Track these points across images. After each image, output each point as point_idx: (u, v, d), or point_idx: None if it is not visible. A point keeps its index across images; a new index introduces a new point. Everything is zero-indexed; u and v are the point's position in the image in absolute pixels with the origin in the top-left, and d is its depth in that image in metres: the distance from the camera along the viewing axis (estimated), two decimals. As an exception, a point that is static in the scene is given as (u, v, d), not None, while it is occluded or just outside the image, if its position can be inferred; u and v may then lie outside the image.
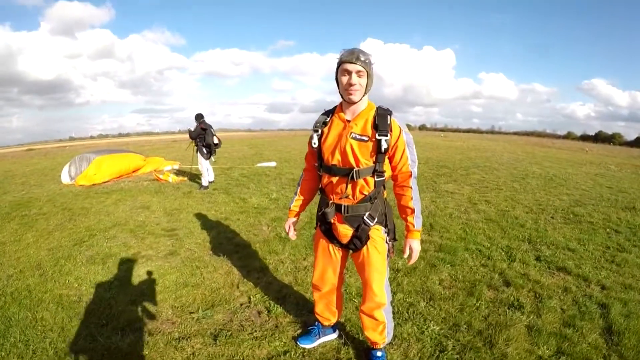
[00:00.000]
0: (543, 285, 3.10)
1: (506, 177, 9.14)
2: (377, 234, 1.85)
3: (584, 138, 79.14)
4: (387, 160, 1.78)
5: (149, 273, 3.44)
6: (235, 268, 3.49)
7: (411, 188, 1.80)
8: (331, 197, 1.86)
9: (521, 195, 6.94)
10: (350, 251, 1.95)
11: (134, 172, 9.53)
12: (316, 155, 1.90)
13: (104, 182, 8.38)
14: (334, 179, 1.80)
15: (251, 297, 2.93)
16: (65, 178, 8.86)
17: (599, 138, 78.69)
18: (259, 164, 11.64)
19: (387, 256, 1.91)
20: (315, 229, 2.06)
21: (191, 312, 2.73)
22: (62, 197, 7.20)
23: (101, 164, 8.57)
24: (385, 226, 1.88)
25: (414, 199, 1.80)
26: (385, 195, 1.92)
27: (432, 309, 2.70)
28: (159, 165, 10.38)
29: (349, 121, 1.77)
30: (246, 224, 4.92)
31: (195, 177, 8.46)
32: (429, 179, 8.74)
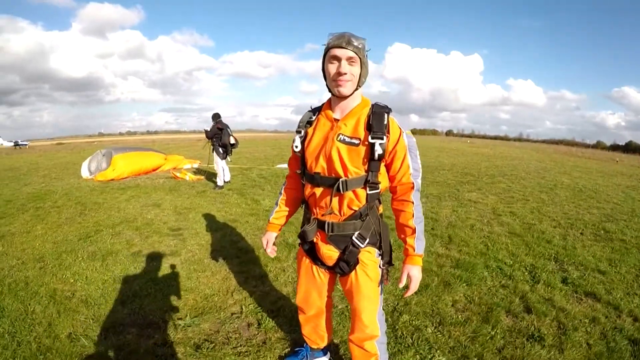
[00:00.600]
0: (569, 313, 2.71)
1: (533, 187, 8.60)
2: (369, 257, 1.53)
3: (614, 148, 75.05)
4: (383, 171, 1.47)
5: (145, 273, 3.32)
6: (234, 274, 3.31)
7: (412, 203, 1.46)
8: (314, 211, 1.55)
9: (549, 207, 6.45)
10: (338, 275, 1.64)
11: (153, 170, 9.61)
12: (299, 161, 1.59)
13: (122, 179, 8.47)
14: (317, 190, 1.49)
15: (244, 307, 2.73)
16: (85, 172, 9.03)
17: (630, 148, 74.35)
18: (278, 165, 11.56)
19: (381, 283, 1.59)
20: (299, 245, 1.74)
21: (179, 318, 2.57)
22: (78, 191, 7.30)
23: (120, 161, 8.68)
24: (379, 248, 1.56)
25: (416, 216, 1.46)
26: (380, 211, 1.59)
27: (440, 335, 2.38)
28: (179, 164, 10.46)
29: (337, 120, 1.46)
30: (254, 227, 4.75)
31: (212, 176, 8.43)
32: (452, 186, 8.34)
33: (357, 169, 1.42)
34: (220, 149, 7.55)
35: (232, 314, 2.65)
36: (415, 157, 1.47)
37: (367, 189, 1.44)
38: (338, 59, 1.35)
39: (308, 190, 1.56)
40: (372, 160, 1.40)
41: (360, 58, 1.36)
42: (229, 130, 7.54)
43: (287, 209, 1.79)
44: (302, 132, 1.55)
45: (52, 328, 2.46)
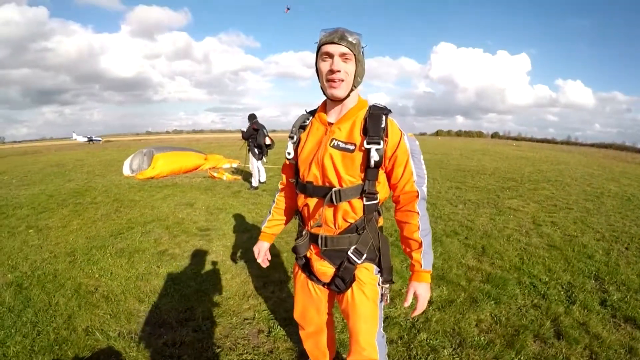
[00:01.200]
0: (604, 341, 2.42)
1: (578, 195, 7.98)
2: (367, 274, 1.39)
3: None
4: (382, 179, 1.34)
5: (167, 273, 3.39)
6: (253, 278, 3.30)
7: (418, 214, 1.32)
8: (308, 223, 1.43)
9: (593, 217, 5.93)
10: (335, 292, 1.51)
11: (194, 169, 9.92)
12: (292, 169, 1.50)
13: (162, 177, 8.80)
14: (310, 201, 1.38)
15: (257, 313, 2.70)
16: (126, 170, 9.49)
17: (683, 153, 67.33)
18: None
19: (380, 302, 1.45)
20: (295, 259, 1.61)
21: (192, 320, 2.59)
22: (117, 188, 7.67)
23: (160, 159, 9.04)
24: (378, 264, 1.41)
25: (422, 228, 1.32)
26: (380, 224, 1.44)
27: (457, 358, 2.21)
28: (218, 163, 10.74)
29: (331, 124, 1.35)
30: (282, 231, 4.73)
31: (249, 176, 8.57)
32: (492, 192, 7.93)
33: (352, 178, 1.30)
34: (255, 150, 7.65)
35: (244, 319, 2.63)
36: (419, 162, 1.33)
37: (364, 199, 1.32)
38: (330, 55, 1.24)
39: (301, 200, 1.44)
40: (368, 168, 1.27)
41: (355, 54, 1.24)
42: (264, 131, 7.62)
43: (281, 217, 1.69)
44: (295, 137, 1.44)
45: (72, 320, 2.57)
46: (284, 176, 1.66)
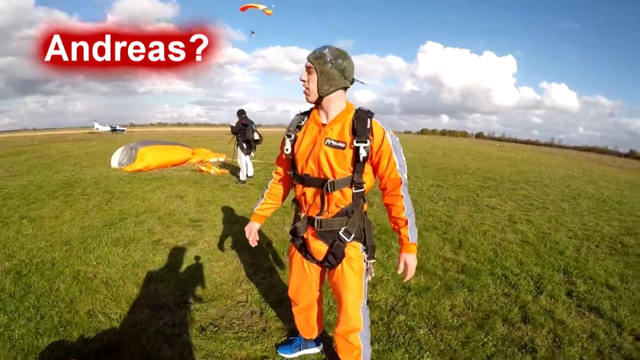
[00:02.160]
0: (567, 327, 2.69)
1: (555, 195, 8.38)
2: (354, 251, 1.66)
3: None
4: (367, 170, 1.59)
5: (163, 260, 3.54)
6: (245, 265, 3.48)
7: (402, 197, 1.59)
8: (304, 209, 1.70)
9: (568, 217, 6.30)
10: (326, 268, 1.78)
11: (181, 163, 9.99)
12: (289, 163, 1.74)
13: (149, 170, 8.85)
14: (308, 190, 1.64)
15: (250, 296, 2.90)
16: (114, 163, 9.50)
17: (665, 158, 69.74)
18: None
19: (365, 276, 1.71)
20: (290, 242, 1.90)
21: (189, 303, 2.77)
22: (106, 180, 7.71)
23: (148, 153, 9.08)
24: (364, 243, 1.68)
25: (407, 209, 1.59)
26: (365, 209, 1.72)
27: (432, 337, 2.45)
28: (205, 157, 10.82)
29: (324, 125, 1.59)
30: (269, 222, 4.89)
31: (236, 170, 8.69)
32: (472, 190, 8.26)
33: (343, 171, 1.54)
34: (244, 145, 7.79)
35: (238, 302, 2.82)
36: (400, 154, 1.58)
37: (353, 188, 1.57)
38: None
39: (299, 190, 1.68)
40: (357, 162, 1.52)
41: (315, 67, 1.50)
42: (253, 126, 7.77)
43: (272, 202, 1.92)
44: (293, 135, 1.67)
45: (74, 305, 2.69)
46: (279, 168, 1.87)
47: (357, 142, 1.50)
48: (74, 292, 2.88)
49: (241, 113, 7.89)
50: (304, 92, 1.56)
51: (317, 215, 1.64)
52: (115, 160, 9.56)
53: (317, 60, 1.49)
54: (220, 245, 4.01)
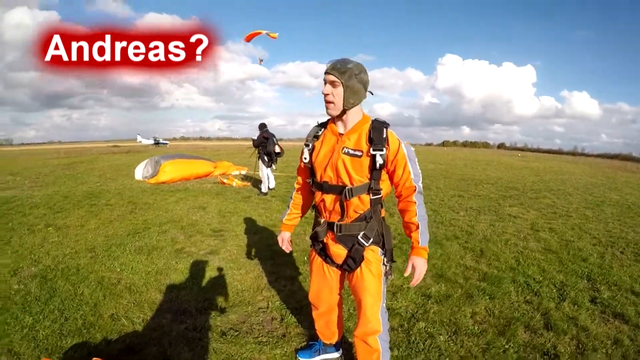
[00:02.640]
0: (590, 333, 2.62)
1: (579, 203, 8.15)
2: (373, 255, 1.70)
3: None
4: (384, 177, 1.65)
5: (185, 268, 3.62)
6: (266, 273, 3.53)
7: (415, 203, 1.63)
8: (324, 215, 1.75)
9: (592, 224, 6.11)
10: (346, 272, 1.82)
11: (204, 176, 10.21)
12: (308, 171, 1.80)
13: (172, 182, 9.08)
14: (327, 197, 1.69)
15: (270, 303, 2.94)
16: (138, 175, 9.79)
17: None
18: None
19: (384, 279, 1.74)
20: (310, 247, 1.94)
21: (210, 308, 2.82)
22: (130, 191, 7.96)
23: (170, 166, 9.33)
24: (382, 247, 1.72)
25: (419, 214, 1.63)
26: (383, 214, 1.76)
27: (452, 344, 2.42)
28: (227, 170, 11.03)
29: (341, 135, 1.65)
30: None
31: (258, 182, 8.82)
32: (494, 200, 8.14)
33: (361, 178, 1.60)
34: (265, 157, 7.93)
35: (259, 308, 2.86)
36: (415, 164, 1.63)
37: (371, 194, 1.62)
38: (325, 82, 1.57)
39: (318, 197, 1.74)
40: (374, 170, 1.58)
41: (342, 82, 1.53)
42: (274, 139, 7.91)
43: (298, 212, 2.00)
44: (310, 145, 1.74)
45: (97, 308, 2.79)
46: (299, 177, 1.94)
47: (373, 150, 1.55)
48: (98, 296, 2.99)
49: (262, 127, 8.04)
50: (327, 106, 1.59)
51: (337, 220, 1.69)
52: (139, 172, 9.85)
53: (343, 75, 1.52)
54: (242, 254, 4.08)
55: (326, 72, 1.55)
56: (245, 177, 10.49)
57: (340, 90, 1.55)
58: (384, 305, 1.76)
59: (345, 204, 1.64)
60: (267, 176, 8.06)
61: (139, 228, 5.04)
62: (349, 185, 1.61)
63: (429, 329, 2.57)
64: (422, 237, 1.63)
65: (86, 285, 3.18)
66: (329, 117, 1.74)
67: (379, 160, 1.55)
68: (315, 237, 1.81)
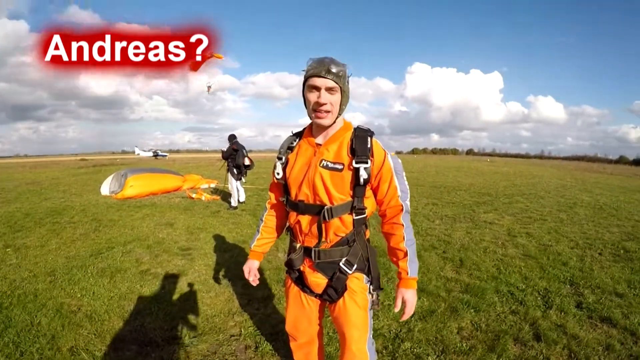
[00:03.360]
0: (581, 340, 2.56)
1: (552, 206, 8.34)
2: (357, 283, 1.47)
3: (638, 162, 71.87)
4: (369, 194, 1.43)
5: (151, 292, 3.34)
6: (237, 295, 3.29)
7: (403, 225, 1.42)
8: (299, 239, 1.51)
9: (567, 227, 6.22)
10: (327, 302, 1.57)
11: (172, 191, 9.79)
12: (282, 188, 1.56)
13: (139, 197, 8.65)
14: (303, 219, 1.45)
15: (243, 329, 2.71)
16: (104, 191, 9.29)
17: (655, 161, 71.13)
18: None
19: (370, 309, 1.51)
20: (286, 273, 1.67)
21: (178, 338, 2.57)
22: (95, 207, 7.50)
23: (137, 181, 8.89)
24: (368, 274, 1.50)
25: (407, 239, 1.42)
26: (367, 236, 1.53)
27: (441, 364, 2.29)
28: (196, 183, 10.64)
29: (319, 145, 1.42)
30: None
31: (228, 196, 8.54)
32: (468, 207, 8.17)
33: (342, 195, 1.38)
34: (234, 170, 7.67)
35: (231, 335, 2.63)
36: (402, 179, 1.43)
37: (354, 214, 1.40)
38: (317, 88, 1.31)
39: (293, 218, 1.51)
40: (357, 186, 1.36)
41: (340, 87, 1.32)
42: (244, 151, 7.67)
43: (270, 236, 1.74)
44: (283, 158, 1.51)
45: (56, 341, 2.51)
46: (272, 195, 1.69)
47: (356, 162, 1.34)
48: (56, 326, 2.69)
49: (232, 138, 7.81)
50: (323, 117, 1.34)
51: (315, 245, 1.46)
52: (105, 188, 9.36)
53: (340, 79, 1.32)
54: (211, 275, 3.82)
55: (318, 76, 1.30)
56: (214, 191, 10.16)
57: (338, 97, 1.34)
58: (371, 336, 1.54)
59: (324, 226, 1.41)
60: (237, 189, 7.80)
61: (102, 248, 4.67)
62: (328, 205, 1.38)
63: (415, 350, 2.42)
64: (411, 266, 1.42)
65: (44, 314, 2.87)
66: (305, 126, 1.53)
67: (363, 175, 1.33)
68: (290, 265, 1.55)
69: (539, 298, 3.28)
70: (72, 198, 8.81)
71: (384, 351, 2.41)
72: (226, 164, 7.89)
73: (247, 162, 7.65)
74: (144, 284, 3.50)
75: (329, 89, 1.31)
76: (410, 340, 2.52)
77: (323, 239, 1.44)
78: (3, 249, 4.61)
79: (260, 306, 3.09)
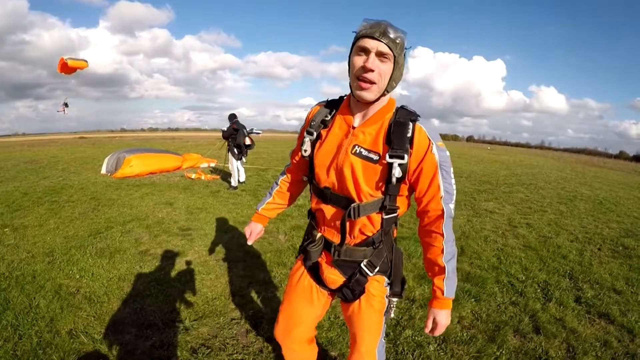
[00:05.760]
0: (579, 335, 2.57)
1: (552, 198, 8.33)
2: (377, 287, 1.32)
3: (638, 158, 71.96)
4: (403, 191, 1.21)
5: (150, 273, 3.33)
6: (238, 278, 3.28)
7: (443, 236, 1.18)
8: (321, 227, 1.34)
9: (567, 219, 6.22)
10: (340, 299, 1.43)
11: (172, 170, 9.72)
12: (306, 166, 1.38)
13: (138, 175, 8.58)
14: (326, 208, 1.28)
15: (244, 312, 2.70)
16: (104, 170, 9.23)
17: (654, 159, 71.18)
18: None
19: (386, 313, 1.38)
20: (296, 258, 1.52)
21: (179, 321, 2.56)
22: (94, 186, 7.44)
23: (135, 160, 8.80)
24: (389, 276, 1.34)
25: (446, 252, 1.19)
26: (395, 235, 1.36)
27: (442, 353, 2.29)
28: (196, 163, 10.55)
29: (354, 128, 1.21)
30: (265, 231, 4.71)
31: (227, 176, 8.48)
32: (469, 194, 8.15)
33: (372, 191, 1.18)
34: (235, 150, 7.59)
35: (232, 319, 2.62)
36: (449, 177, 1.18)
37: (383, 213, 1.21)
38: (367, 51, 1.09)
39: (314, 203, 1.34)
40: (389, 183, 1.15)
41: (395, 55, 1.09)
42: (245, 131, 7.57)
43: (281, 202, 1.57)
44: (315, 134, 1.28)
45: (54, 323, 2.48)
46: (293, 163, 1.50)
47: (390, 156, 1.11)
48: (55, 308, 2.66)
49: (232, 117, 7.71)
50: (366, 87, 1.11)
51: (336, 241, 1.29)
52: (104, 166, 9.29)
53: (396, 47, 1.08)
54: (212, 256, 3.80)
55: (371, 37, 1.07)
56: (214, 170, 10.09)
57: (389, 67, 1.10)
58: (383, 339, 1.43)
59: (348, 223, 1.23)
60: (237, 169, 7.75)
61: (101, 227, 4.64)
62: (356, 201, 1.19)
63: (416, 338, 2.42)
64: (448, 284, 1.21)
65: (42, 296, 2.84)
66: (342, 96, 1.30)
67: (396, 173, 1.11)
68: (305, 256, 1.41)
69: (538, 290, 3.29)
70: (71, 177, 8.72)
71: (385, 338, 2.40)
72: (226, 143, 7.81)
73: (247, 141, 7.57)
74: (144, 265, 3.49)
75: (381, 54, 1.08)
76: (412, 328, 2.53)
77: (349, 236, 1.27)
78: (1, 228, 4.56)
79: (261, 289, 3.07)
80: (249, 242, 1.55)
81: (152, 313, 2.64)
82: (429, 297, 2.93)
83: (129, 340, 2.33)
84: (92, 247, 3.94)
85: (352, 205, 1.19)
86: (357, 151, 1.18)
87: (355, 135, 1.20)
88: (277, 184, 1.56)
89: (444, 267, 1.20)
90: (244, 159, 7.92)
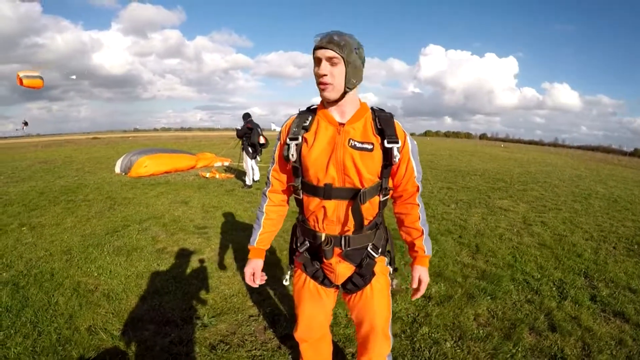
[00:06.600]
0: (595, 334, 2.55)
1: (567, 196, 8.20)
2: (381, 267, 1.47)
3: None
4: (392, 172, 1.40)
5: (168, 270, 3.39)
6: (255, 275, 3.31)
7: (418, 205, 1.44)
8: (319, 227, 1.40)
9: (582, 217, 6.12)
10: (343, 291, 1.51)
11: (186, 170, 9.83)
12: (291, 174, 1.43)
13: (152, 175, 8.71)
14: (328, 204, 1.34)
15: (262, 309, 2.74)
16: (118, 168, 9.39)
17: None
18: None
19: (390, 289, 1.52)
20: (293, 267, 1.58)
21: (197, 318, 2.61)
22: (109, 185, 7.59)
23: (150, 160, 8.94)
24: (387, 255, 1.51)
25: (422, 218, 1.44)
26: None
27: (459, 350, 2.29)
28: (210, 162, 10.66)
29: (342, 125, 1.33)
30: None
31: (242, 175, 8.56)
32: (483, 192, 8.09)
33: (371, 176, 1.33)
34: (249, 148, 7.66)
35: (249, 316, 2.66)
36: (417, 160, 1.42)
37: (381, 196, 1.38)
38: (319, 60, 1.24)
39: (312, 204, 1.38)
40: (386, 166, 1.33)
41: (342, 57, 1.22)
42: (259, 130, 7.64)
43: (272, 229, 1.58)
44: (300, 138, 1.36)
45: (73, 320, 2.53)
46: (275, 183, 1.52)
47: (388, 142, 1.29)
48: (74, 305, 2.73)
49: (246, 117, 7.76)
50: (324, 88, 1.26)
51: (342, 232, 1.38)
52: (118, 166, 9.46)
53: (343, 50, 1.21)
54: (228, 254, 3.85)
55: (319, 47, 1.23)
56: (228, 169, 10.18)
57: (340, 68, 1.24)
58: (390, 320, 1.54)
59: (360, 210, 1.34)
60: (252, 168, 7.82)
61: (117, 226, 4.74)
62: (360, 187, 1.32)
63: (433, 334, 2.43)
64: (426, 244, 1.45)
65: (61, 293, 2.90)
66: (315, 104, 1.43)
67: (396, 155, 1.29)
68: (315, 257, 1.46)
69: (554, 288, 3.26)
70: (86, 176, 8.91)
71: (402, 335, 2.42)
72: (241, 142, 7.88)
73: (262, 140, 7.61)
74: (161, 263, 3.55)
75: (329, 59, 1.22)
76: (428, 325, 2.53)
77: (360, 224, 1.36)
78: (18, 227, 4.68)
79: (278, 286, 3.10)
80: (257, 284, 1.53)
81: (170, 310, 2.69)
82: (445, 295, 2.97)
83: (148, 336, 2.37)
84: (109, 245, 4.02)
85: (361, 190, 1.32)
86: (353, 144, 1.31)
87: (347, 132, 1.32)
88: (262, 212, 1.55)
89: (422, 229, 1.45)
90: (258, 158, 7.98)
